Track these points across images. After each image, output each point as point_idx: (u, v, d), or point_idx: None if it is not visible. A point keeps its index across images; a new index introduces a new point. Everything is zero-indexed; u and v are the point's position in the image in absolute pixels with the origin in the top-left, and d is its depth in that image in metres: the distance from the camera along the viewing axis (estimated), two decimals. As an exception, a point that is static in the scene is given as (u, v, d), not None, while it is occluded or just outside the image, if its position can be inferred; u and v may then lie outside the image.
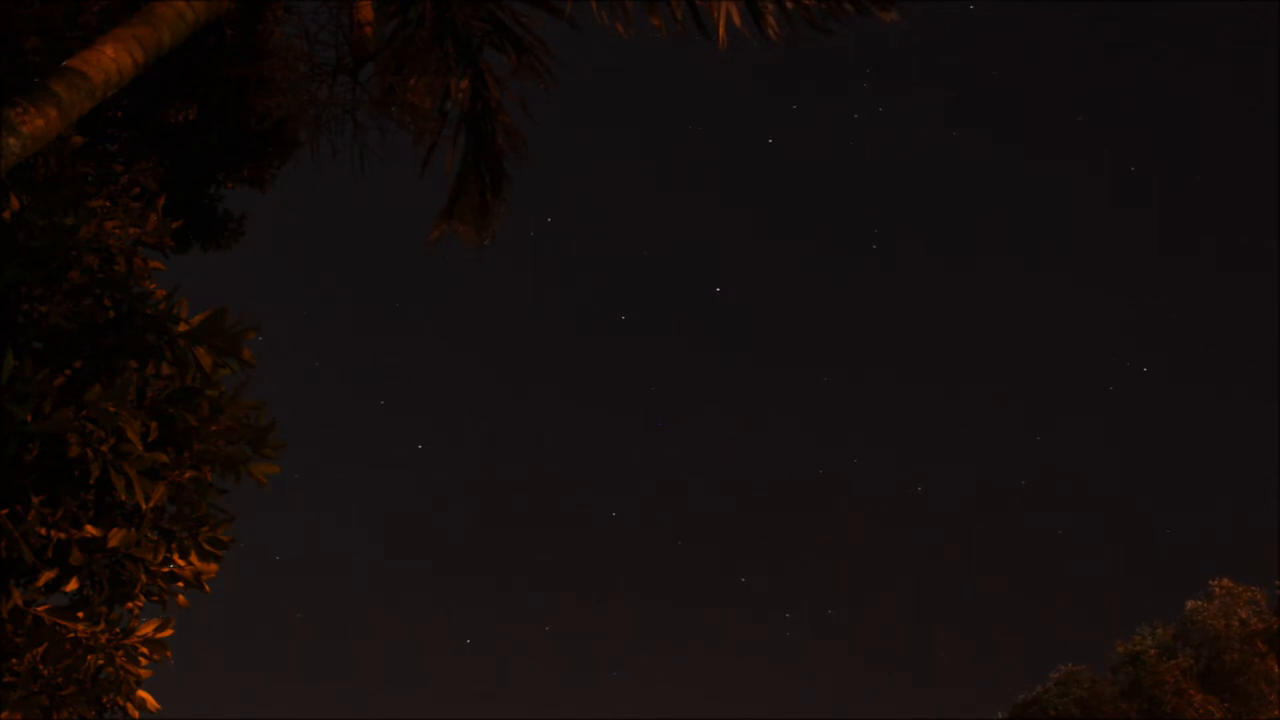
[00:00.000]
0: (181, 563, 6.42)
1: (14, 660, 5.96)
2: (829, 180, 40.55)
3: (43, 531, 5.87)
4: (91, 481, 5.82)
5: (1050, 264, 42.12)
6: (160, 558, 6.30)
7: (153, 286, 6.77)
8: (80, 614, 6.06)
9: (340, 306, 42.34)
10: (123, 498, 5.85)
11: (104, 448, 5.77)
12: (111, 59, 5.92)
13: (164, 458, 6.08)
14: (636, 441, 43.04)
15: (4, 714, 5.99)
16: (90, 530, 5.98)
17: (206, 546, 6.45)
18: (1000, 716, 22.29)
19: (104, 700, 6.29)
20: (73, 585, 6.05)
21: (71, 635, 6.04)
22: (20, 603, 5.90)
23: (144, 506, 5.98)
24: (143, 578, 6.27)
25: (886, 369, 43.05)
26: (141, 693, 6.43)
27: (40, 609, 5.99)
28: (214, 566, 6.54)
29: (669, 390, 43.98)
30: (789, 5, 7.88)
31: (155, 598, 6.48)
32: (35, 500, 5.81)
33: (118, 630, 6.24)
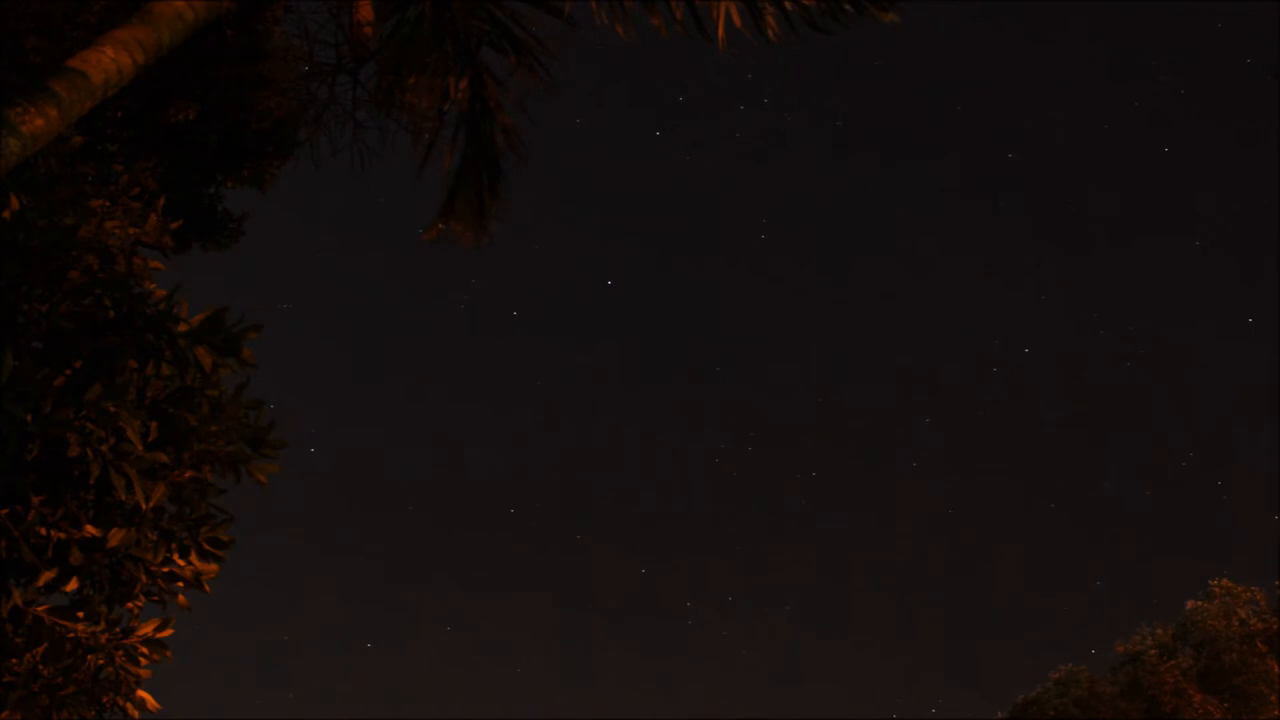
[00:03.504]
0: (181, 563, 6.42)
1: (14, 660, 5.96)
2: (817, 190, 40.79)
3: (43, 531, 5.87)
4: (91, 481, 5.82)
5: (1046, 266, 42.18)
6: (160, 558, 6.30)
7: (153, 286, 6.77)
8: (80, 614, 6.06)
9: (340, 307, 42.37)
10: (123, 498, 5.85)
11: (104, 448, 5.77)
12: (111, 59, 5.92)
13: (164, 458, 6.08)
14: (625, 443, 43.19)
15: (4, 714, 6.00)
16: (90, 530, 5.98)
17: (206, 546, 6.45)
18: (999, 716, 22.30)
19: (104, 700, 6.29)
20: (73, 585, 6.05)
21: (71, 635, 6.04)
22: (20, 603, 5.90)
23: (144, 506, 5.98)
24: (143, 578, 6.27)
25: (883, 370, 43.11)
26: (141, 693, 6.43)
27: (40, 609, 5.98)
28: (214, 566, 6.54)
29: (657, 399, 44.06)
30: (788, 6, 7.89)
31: (155, 598, 6.48)
32: (35, 500, 5.81)
33: (118, 630, 6.23)
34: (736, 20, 7.96)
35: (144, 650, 6.30)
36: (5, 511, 5.77)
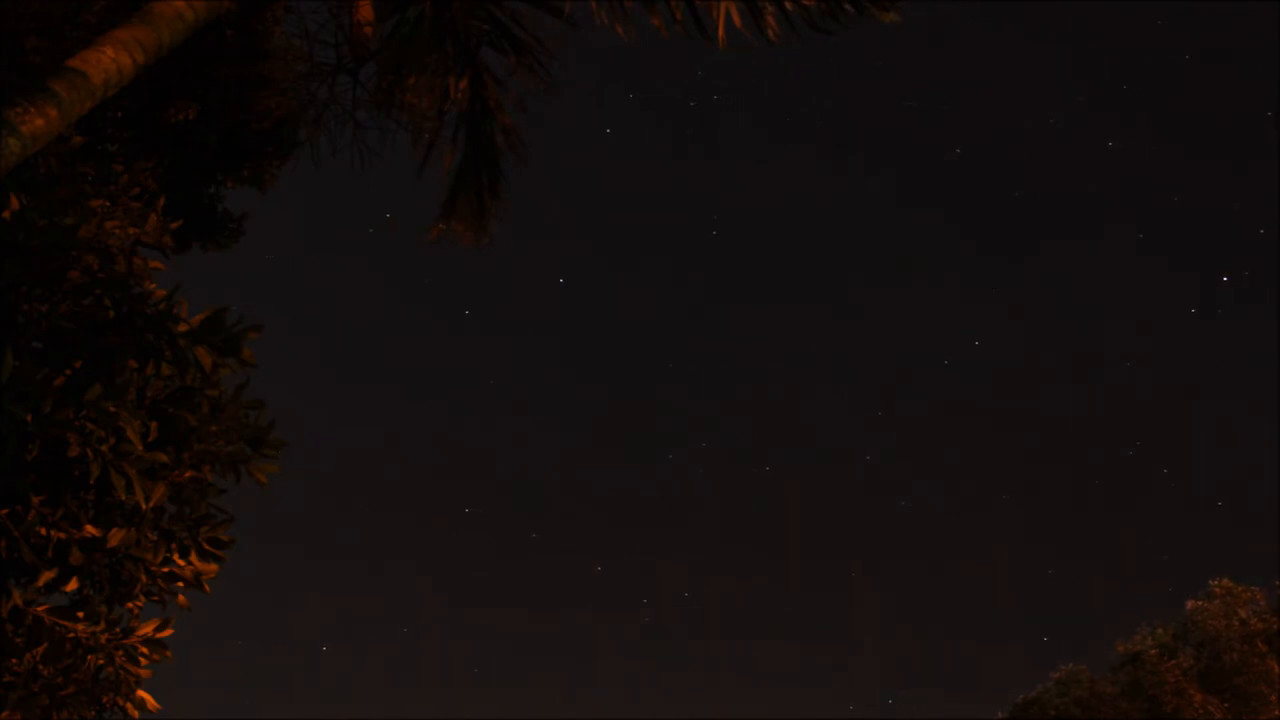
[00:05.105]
0: (181, 563, 6.42)
1: (14, 660, 5.96)
2: (817, 190, 40.89)
3: (43, 531, 5.87)
4: (91, 481, 5.82)
5: (1047, 265, 42.20)
6: (160, 558, 6.31)
7: (153, 286, 6.77)
8: (80, 614, 6.06)
9: (339, 307, 42.40)
10: (123, 498, 5.85)
11: (104, 448, 5.77)
12: (111, 59, 5.92)
13: (164, 458, 6.08)
14: (624, 444, 43.23)
15: (4, 714, 6.00)
16: (90, 530, 5.98)
17: (206, 546, 6.45)
18: (1000, 716, 22.29)
19: (104, 700, 6.29)
20: (73, 585, 6.05)
21: (71, 635, 6.05)
22: (20, 603, 5.90)
23: (144, 506, 5.98)
24: (143, 578, 6.27)
25: (883, 370, 43.15)
26: (141, 693, 6.43)
27: (40, 609, 5.98)
28: (214, 566, 6.54)
29: (656, 400, 44.13)
30: (788, 6, 7.89)
31: (155, 598, 6.48)
32: (35, 500, 5.82)
33: (118, 630, 6.24)
34: (736, 20, 7.96)
35: (144, 650, 6.30)
36: (5, 511, 5.77)
